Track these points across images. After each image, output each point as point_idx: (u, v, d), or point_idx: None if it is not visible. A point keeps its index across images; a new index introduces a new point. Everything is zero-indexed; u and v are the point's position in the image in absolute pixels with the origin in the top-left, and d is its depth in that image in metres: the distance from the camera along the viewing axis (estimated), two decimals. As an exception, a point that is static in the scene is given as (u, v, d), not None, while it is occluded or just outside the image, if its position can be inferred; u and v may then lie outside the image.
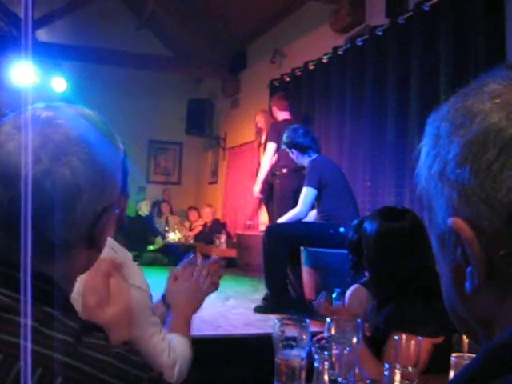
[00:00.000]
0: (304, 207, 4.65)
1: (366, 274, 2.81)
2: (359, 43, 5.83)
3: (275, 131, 5.95)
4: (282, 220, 4.81)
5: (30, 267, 0.83)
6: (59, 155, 0.88)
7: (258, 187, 6.13)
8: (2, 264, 0.88)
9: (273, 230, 4.71)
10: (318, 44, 6.68)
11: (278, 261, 4.58)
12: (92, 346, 0.84)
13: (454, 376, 0.58)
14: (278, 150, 6.13)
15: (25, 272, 0.83)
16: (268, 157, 5.99)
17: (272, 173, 6.04)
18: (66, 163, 0.88)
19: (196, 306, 1.82)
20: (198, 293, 1.83)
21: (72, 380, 0.80)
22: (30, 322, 0.81)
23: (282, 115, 6.27)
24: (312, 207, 4.82)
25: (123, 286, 1.17)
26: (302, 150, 4.81)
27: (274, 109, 6.36)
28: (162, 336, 1.61)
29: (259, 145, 7.37)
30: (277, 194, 5.87)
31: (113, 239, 1.58)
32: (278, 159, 6.01)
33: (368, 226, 2.22)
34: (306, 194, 4.63)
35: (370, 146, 5.49)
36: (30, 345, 0.79)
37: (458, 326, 0.65)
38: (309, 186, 4.61)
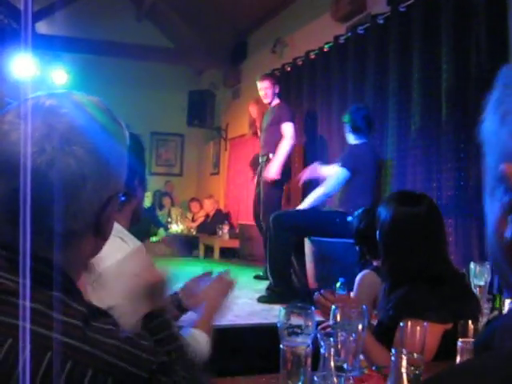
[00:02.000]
0: (333, 186, 4.62)
1: (374, 263, 2.81)
2: (360, 32, 5.81)
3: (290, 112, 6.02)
4: (309, 200, 4.77)
5: (29, 252, 0.84)
6: (63, 145, 0.88)
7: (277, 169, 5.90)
8: (9, 250, 0.88)
9: (279, 218, 4.68)
10: (319, 33, 6.65)
11: (283, 250, 4.57)
12: (101, 331, 0.85)
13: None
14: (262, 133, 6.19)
15: (25, 256, 0.84)
16: (291, 139, 5.88)
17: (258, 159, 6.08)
18: (70, 153, 0.88)
19: (219, 308, 1.94)
20: (221, 298, 1.96)
21: (82, 364, 0.80)
22: (29, 304, 0.82)
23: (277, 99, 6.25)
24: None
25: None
26: (354, 129, 4.79)
27: (269, 84, 6.26)
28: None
29: (255, 133, 7.36)
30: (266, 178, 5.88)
31: (125, 229, 1.59)
32: (265, 144, 6.02)
33: (382, 210, 2.18)
34: (339, 173, 4.60)
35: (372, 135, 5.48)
36: (31, 327, 0.79)
37: (499, 275, 0.66)
38: (344, 166, 4.59)
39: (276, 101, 6.18)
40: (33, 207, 0.86)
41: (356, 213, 2.87)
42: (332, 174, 4.64)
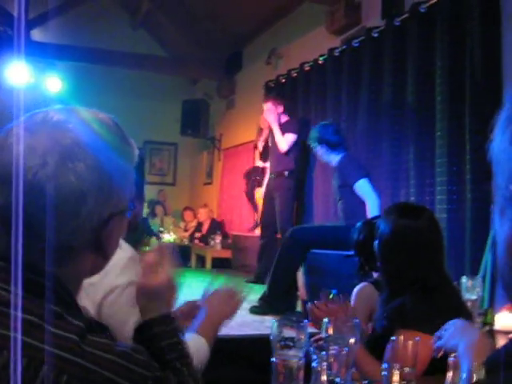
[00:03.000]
0: (374, 196, 4.57)
1: (374, 274, 2.80)
2: (355, 45, 5.83)
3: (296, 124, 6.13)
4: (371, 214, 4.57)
5: (20, 265, 0.84)
6: (65, 160, 0.88)
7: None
8: (6, 261, 0.88)
9: (298, 233, 4.64)
10: (313, 45, 6.69)
11: (291, 265, 4.53)
12: (97, 345, 0.84)
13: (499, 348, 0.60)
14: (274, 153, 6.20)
15: (17, 268, 0.83)
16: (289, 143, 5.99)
17: (274, 176, 6.08)
18: (71, 168, 0.88)
19: (225, 317, 1.89)
20: (228, 307, 1.91)
21: (76, 378, 0.79)
22: (25, 316, 0.81)
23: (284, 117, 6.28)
24: None
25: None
26: (332, 146, 4.76)
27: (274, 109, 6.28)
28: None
29: (255, 146, 7.38)
30: (284, 195, 5.90)
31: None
32: (278, 163, 6.04)
33: (382, 222, 2.18)
34: (364, 185, 4.56)
35: (366, 147, 5.49)
36: (26, 340, 0.79)
37: (508, 295, 0.65)
38: (360, 178, 4.56)
39: (283, 119, 6.22)
40: (31, 219, 0.86)
41: (358, 224, 2.86)
42: (361, 190, 4.58)
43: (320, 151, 4.83)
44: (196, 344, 1.71)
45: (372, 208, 4.56)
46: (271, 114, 6.17)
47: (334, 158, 4.76)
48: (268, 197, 6.21)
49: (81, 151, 0.90)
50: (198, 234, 9.35)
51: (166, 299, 1.22)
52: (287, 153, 5.97)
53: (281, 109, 6.22)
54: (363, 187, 4.54)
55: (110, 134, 0.97)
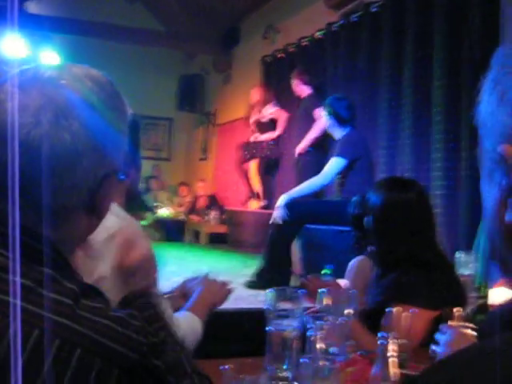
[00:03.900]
0: (328, 175, 4.48)
1: (369, 248, 2.81)
2: (353, 19, 5.79)
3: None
4: (301, 188, 4.65)
5: (18, 227, 0.82)
6: (59, 118, 0.85)
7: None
8: (1, 225, 0.86)
9: (294, 205, 4.56)
10: (311, 20, 6.63)
11: (285, 239, 4.53)
12: (91, 309, 0.82)
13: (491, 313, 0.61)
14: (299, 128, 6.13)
15: (13, 230, 0.82)
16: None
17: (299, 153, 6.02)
18: (66, 127, 0.85)
19: (215, 303, 1.88)
20: (219, 295, 1.91)
21: (70, 342, 0.78)
22: (18, 279, 0.80)
23: (307, 90, 6.19)
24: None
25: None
26: (341, 121, 4.68)
27: (297, 82, 6.20)
28: (163, 306, 1.61)
29: (247, 118, 7.33)
30: (306, 171, 5.82)
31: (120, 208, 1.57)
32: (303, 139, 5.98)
33: (372, 196, 2.18)
34: (334, 162, 4.46)
35: (363, 122, 5.47)
36: (20, 303, 0.78)
37: (497, 262, 0.64)
38: (340, 156, 4.45)
39: (307, 91, 6.13)
40: (25, 180, 0.83)
41: (355, 197, 2.86)
42: (329, 165, 4.51)
43: (328, 122, 4.78)
44: (190, 322, 1.72)
45: (313, 182, 4.58)
46: (297, 88, 6.13)
47: (340, 133, 4.67)
48: (297, 175, 6.10)
49: (74, 109, 0.87)
50: (195, 209, 9.33)
51: (145, 276, 1.18)
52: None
53: (304, 78, 6.14)
54: (332, 165, 4.47)
55: (104, 90, 0.94)
